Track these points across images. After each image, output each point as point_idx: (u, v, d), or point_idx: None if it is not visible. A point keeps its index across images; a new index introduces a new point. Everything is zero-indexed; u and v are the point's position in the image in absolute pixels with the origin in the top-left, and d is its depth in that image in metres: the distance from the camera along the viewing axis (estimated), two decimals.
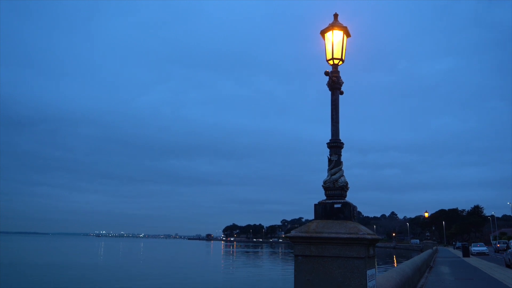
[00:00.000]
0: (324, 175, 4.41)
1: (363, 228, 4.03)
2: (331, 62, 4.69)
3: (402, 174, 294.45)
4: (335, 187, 4.27)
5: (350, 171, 4.33)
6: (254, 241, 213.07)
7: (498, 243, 56.86)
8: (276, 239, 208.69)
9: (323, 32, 4.79)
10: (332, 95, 4.61)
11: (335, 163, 4.36)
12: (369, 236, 3.84)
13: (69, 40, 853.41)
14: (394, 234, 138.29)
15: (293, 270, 4.10)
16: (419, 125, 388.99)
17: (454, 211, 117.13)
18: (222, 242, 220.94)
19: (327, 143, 4.48)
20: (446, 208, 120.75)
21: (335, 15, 4.83)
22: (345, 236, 3.83)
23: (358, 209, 4.42)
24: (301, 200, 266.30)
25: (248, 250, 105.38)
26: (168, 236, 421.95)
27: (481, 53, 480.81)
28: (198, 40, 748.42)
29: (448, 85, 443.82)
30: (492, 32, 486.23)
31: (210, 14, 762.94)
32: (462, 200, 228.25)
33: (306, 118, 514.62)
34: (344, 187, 4.29)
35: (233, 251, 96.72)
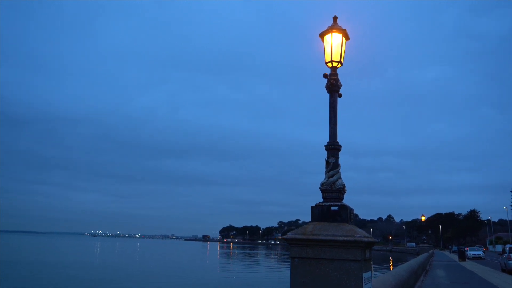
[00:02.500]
0: (321, 177, 4.41)
1: (359, 230, 4.03)
2: (329, 64, 4.70)
3: (397, 178, 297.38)
4: (332, 190, 4.27)
5: (345, 174, 4.37)
6: (251, 243, 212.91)
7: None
8: (272, 241, 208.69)
9: (322, 35, 4.81)
10: (331, 97, 4.62)
11: (332, 165, 4.37)
12: (365, 239, 3.84)
13: (67, 42, 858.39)
14: (390, 237, 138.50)
15: (289, 272, 4.09)
16: (411, 131, 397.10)
17: (450, 215, 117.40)
18: (219, 243, 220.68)
19: (325, 146, 4.48)
20: (443, 212, 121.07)
21: (334, 18, 4.85)
22: (341, 238, 3.83)
23: (354, 212, 4.42)
24: (298, 202, 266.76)
25: (244, 251, 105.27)
26: (165, 237, 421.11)
27: (468, 62, 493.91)
28: (194, 44, 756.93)
29: (438, 93, 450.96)
30: (477, 42, 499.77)
31: (207, 19, 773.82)
32: (458, 204, 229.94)
33: (301, 121, 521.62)
34: (341, 190, 4.29)
35: (229, 253, 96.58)
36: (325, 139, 4.52)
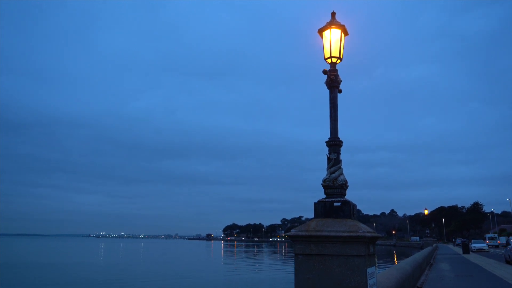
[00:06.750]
0: (320, 173, 4.42)
1: (362, 226, 4.03)
2: (329, 60, 4.69)
3: (395, 172, 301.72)
4: (335, 186, 4.26)
5: (344, 171, 4.40)
6: (255, 240, 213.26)
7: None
8: (276, 238, 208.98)
9: (320, 31, 4.80)
10: (331, 93, 4.61)
11: (334, 161, 4.36)
12: (369, 234, 3.84)
13: (66, 48, 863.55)
14: (394, 232, 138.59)
15: (293, 269, 4.10)
16: (402, 127, 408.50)
17: (453, 208, 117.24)
18: (222, 241, 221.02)
19: (326, 142, 4.47)
20: (445, 205, 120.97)
21: (333, 14, 4.83)
22: (345, 234, 3.83)
23: (357, 207, 4.42)
24: (300, 198, 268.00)
25: (248, 249, 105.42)
26: (168, 237, 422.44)
27: (453, 60, 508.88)
28: (187, 49, 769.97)
29: (426, 90, 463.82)
30: (460, 41, 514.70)
31: (198, 24, 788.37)
32: (458, 197, 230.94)
33: (295, 120, 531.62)
34: (344, 185, 4.28)
35: (233, 251, 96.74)
36: (320, 136, 4.53)
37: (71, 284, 27.81)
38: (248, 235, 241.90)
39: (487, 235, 65.22)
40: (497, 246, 55.76)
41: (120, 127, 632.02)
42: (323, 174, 4.38)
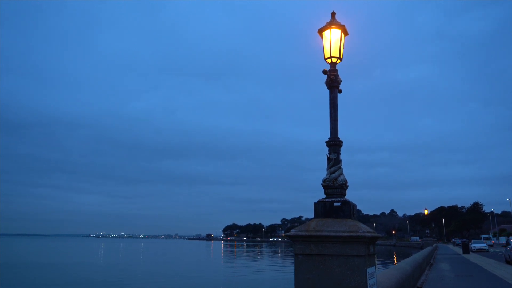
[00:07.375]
0: (319, 174, 4.42)
1: (362, 226, 4.03)
2: (329, 60, 4.69)
3: (395, 172, 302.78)
4: (335, 186, 4.26)
5: (344, 171, 4.40)
6: (255, 240, 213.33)
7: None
8: (276, 238, 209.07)
9: (320, 31, 4.80)
10: (331, 93, 4.61)
11: (334, 161, 4.36)
12: (368, 234, 3.84)
13: (66, 49, 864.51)
14: (394, 232, 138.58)
15: (293, 269, 4.10)
16: (401, 128, 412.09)
17: (453, 208, 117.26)
18: (222, 242, 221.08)
19: (326, 142, 4.47)
20: (445, 206, 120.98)
21: (333, 14, 4.83)
22: (345, 234, 3.83)
23: (357, 207, 4.42)
24: (300, 198, 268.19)
25: (248, 249, 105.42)
26: (168, 237, 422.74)
27: (451, 61, 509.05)
28: (186, 50, 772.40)
29: (424, 91, 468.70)
30: (457, 42, 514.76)
31: (197, 25, 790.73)
32: (457, 196, 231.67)
33: (294, 120, 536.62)
34: (344, 185, 4.28)
35: (233, 251, 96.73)
36: (320, 136, 4.53)
37: (71, 284, 27.81)
38: (248, 235, 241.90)
39: (483, 235, 69.23)
40: (491, 246, 57.89)
41: (120, 127, 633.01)
42: (323, 174, 4.38)
